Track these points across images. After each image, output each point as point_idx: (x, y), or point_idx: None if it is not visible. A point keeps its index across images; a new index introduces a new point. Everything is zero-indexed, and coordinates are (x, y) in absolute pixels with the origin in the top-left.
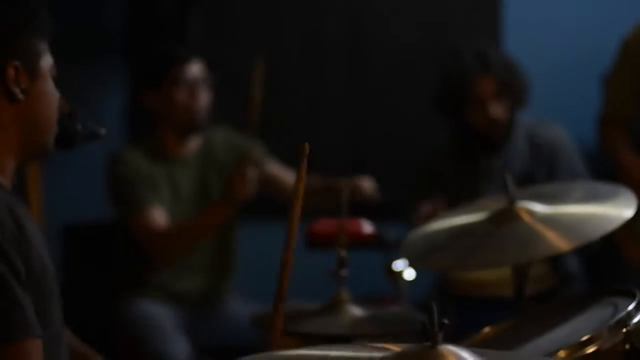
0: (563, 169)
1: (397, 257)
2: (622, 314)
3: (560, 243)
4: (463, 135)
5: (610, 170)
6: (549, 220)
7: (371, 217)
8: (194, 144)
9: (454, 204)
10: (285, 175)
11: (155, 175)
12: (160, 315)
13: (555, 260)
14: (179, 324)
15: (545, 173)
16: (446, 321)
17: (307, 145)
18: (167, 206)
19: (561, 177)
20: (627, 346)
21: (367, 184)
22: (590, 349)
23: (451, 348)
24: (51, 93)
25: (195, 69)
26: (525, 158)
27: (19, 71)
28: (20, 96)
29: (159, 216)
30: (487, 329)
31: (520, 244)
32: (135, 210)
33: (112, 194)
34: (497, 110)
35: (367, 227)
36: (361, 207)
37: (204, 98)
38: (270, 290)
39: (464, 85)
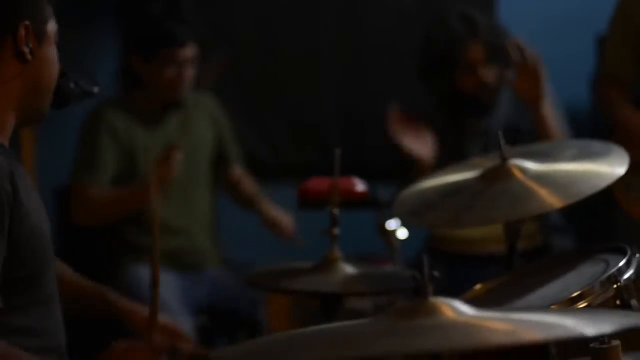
0: None
1: (390, 217)
2: (613, 270)
3: (553, 200)
4: (450, 99)
5: (603, 129)
6: (541, 178)
7: (364, 177)
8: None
9: (439, 165)
10: (246, 181)
11: (132, 135)
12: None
13: (541, 217)
14: (174, 287)
15: (529, 130)
16: (437, 274)
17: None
18: (143, 166)
19: None
20: (618, 302)
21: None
22: (582, 305)
23: (444, 299)
24: (54, 58)
25: (188, 51)
26: (510, 115)
27: (29, 32)
28: (29, 57)
29: (94, 191)
30: (478, 286)
31: (513, 202)
32: (81, 178)
33: (80, 148)
34: (487, 74)
35: (359, 186)
36: (354, 168)
37: (190, 76)
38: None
39: (454, 52)
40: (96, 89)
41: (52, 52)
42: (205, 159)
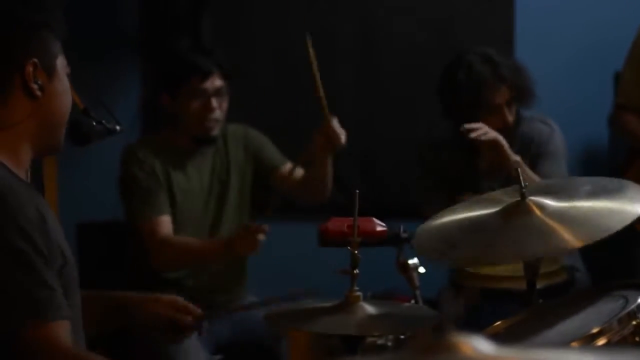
0: (544, 165)
1: (410, 253)
2: (632, 306)
3: (573, 239)
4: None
5: (620, 167)
6: (560, 216)
7: (382, 215)
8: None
9: (455, 199)
10: (299, 174)
11: (169, 172)
12: None
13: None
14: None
15: (527, 165)
16: (458, 311)
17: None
18: (182, 202)
19: (540, 173)
20: (637, 339)
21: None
22: (601, 342)
23: (463, 336)
24: (66, 91)
25: (214, 81)
26: (514, 151)
27: (37, 68)
28: (38, 93)
29: (165, 225)
30: (498, 322)
31: (533, 239)
32: (144, 217)
33: (123, 194)
34: (511, 116)
35: (379, 226)
36: (372, 207)
37: (220, 109)
38: (283, 289)
39: (480, 96)
40: (118, 127)
41: (63, 86)
42: (239, 196)
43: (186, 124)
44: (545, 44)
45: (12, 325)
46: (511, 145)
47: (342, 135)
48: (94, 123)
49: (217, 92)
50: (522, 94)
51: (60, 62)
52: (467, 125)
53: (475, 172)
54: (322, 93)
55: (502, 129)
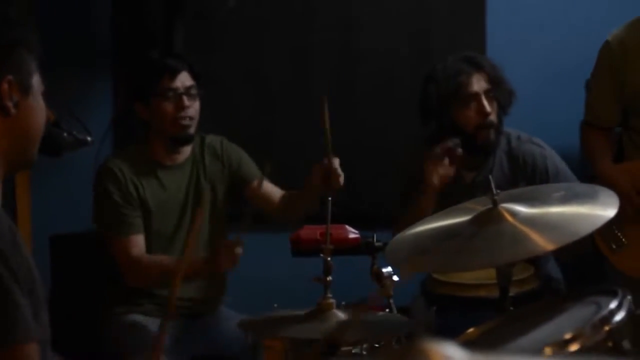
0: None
1: (384, 262)
2: (605, 312)
3: (544, 243)
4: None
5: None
6: (531, 221)
7: (356, 224)
8: (184, 151)
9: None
10: (273, 190)
11: (144, 186)
12: (148, 328)
13: (537, 264)
14: (170, 334)
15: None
16: (430, 318)
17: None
18: (158, 214)
19: None
20: (610, 344)
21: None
22: (573, 347)
23: (435, 343)
24: (40, 109)
25: (184, 80)
26: (506, 173)
27: (12, 86)
28: (13, 110)
29: (137, 245)
30: (471, 330)
31: (505, 245)
32: (116, 233)
33: (97, 209)
34: (490, 107)
35: (351, 233)
36: (346, 214)
37: (192, 108)
38: (259, 300)
39: (457, 84)
40: (89, 138)
41: (37, 104)
42: (213, 209)
43: (161, 127)
44: (518, 55)
45: None
46: (489, 150)
47: (341, 178)
48: (65, 134)
49: (188, 91)
50: (500, 87)
51: (36, 80)
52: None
53: (458, 189)
54: (329, 135)
55: (481, 124)
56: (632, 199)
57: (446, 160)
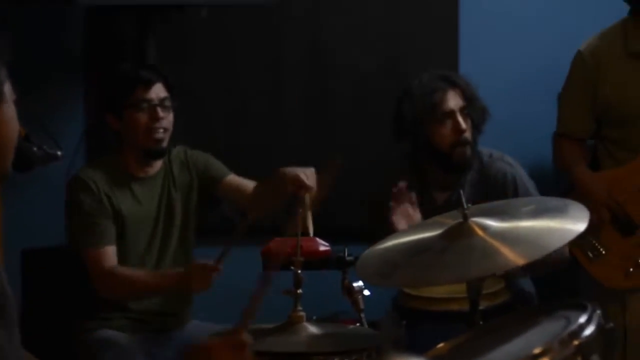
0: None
1: (355, 277)
2: (574, 326)
3: (514, 257)
4: (424, 155)
5: (565, 188)
6: (502, 235)
7: (329, 237)
8: (156, 164)
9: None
10: (244, 182)
11: (117, 197)
12: (120, 343)
13: (509, 279)
14: (139, 348)
15: None
16: (400, 332)
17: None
18: (132, 226)
19: None
20: (579, 358)
21: (310, 175)
22: None
23: (404, 358)
24: (13, 118)
25: (158, 91)
26: (478, 192)
27: None
28: None
29: (110, 256)
30: (442, 344)
31: (475, 260)
32: (88, 244)
33: (69, 220)
34: (465, 123)
35: (322, 246)
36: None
37: (166, 120)
38: (231, 313)
39: (432, 100)
40: (59, 152)
41: (10, 113)
42: (183, 220)
43: (134, 139)
44: (490, 73)
45: None
46: (463, 169)
47: (322, 191)
48: (35, 149)
49: (162, 103)
50: (474, 104)
51: (8, 89)
52: None
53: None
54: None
55: (456, 142)
56: (610, 205)
57: (408, 207)
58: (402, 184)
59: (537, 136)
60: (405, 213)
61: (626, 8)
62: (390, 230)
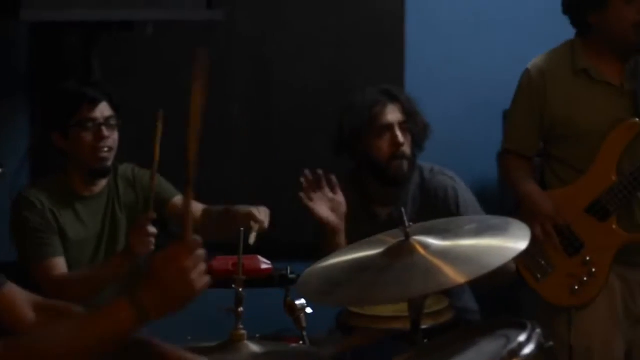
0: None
1: (297, 295)
2: (513, 345)
3: (456, 276)
4: (362, 171)
5: (511, 207)
6: (443, 254)
7: (272, 255)
8: (101, 182)
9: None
10: (194, 205)
11: (62, 216)
12: None
13: (452, 296)
14: None
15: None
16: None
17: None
18: (75, 246)
19: None
20: None
21: (263, 212)
22: None
23: None
24: None
25: (103, 110)
26: (419, 206)
27: None
28: None
29: (58, 266)
30: None
31: (416, 278)
32: (36, 260)
33: (15, 238)
34: (403, 137)
35: (264, 264)
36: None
37: (111, 139)
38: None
39: (370, 113)
40: (1, 169)
41: None
42: (127, 239)
43: (80, 158)
44: (435, 89)
45: None
46: (402, 183)
47: (266, 221)
48: None
49: (108, 122)
50: (415, 120)
51: None
52: None
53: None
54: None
55: (394, 155)
56: (557, 223)
57: (326, 191)
58: (306, 171)
59: (483, 154)
60: (324, 197)
61: (573, 30)
62: (318, 224)
